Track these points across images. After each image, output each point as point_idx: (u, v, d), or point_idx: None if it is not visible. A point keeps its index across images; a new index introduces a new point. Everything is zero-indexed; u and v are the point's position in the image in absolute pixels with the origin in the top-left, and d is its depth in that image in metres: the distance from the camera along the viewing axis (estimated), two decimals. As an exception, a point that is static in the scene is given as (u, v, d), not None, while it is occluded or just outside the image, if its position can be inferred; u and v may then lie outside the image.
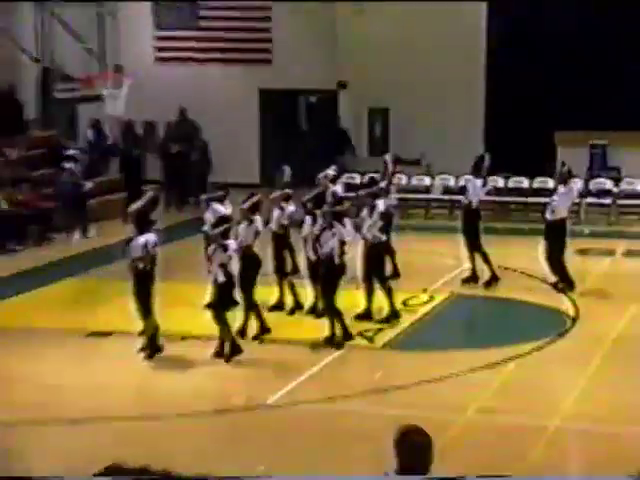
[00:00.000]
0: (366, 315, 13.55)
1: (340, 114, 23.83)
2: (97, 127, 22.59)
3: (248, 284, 12.62)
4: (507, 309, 14.58)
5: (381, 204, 13.79)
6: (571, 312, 14.00)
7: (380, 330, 13.16)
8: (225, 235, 12.14)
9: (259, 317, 12.92)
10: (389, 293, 13.62)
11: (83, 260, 17.33)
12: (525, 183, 21.38)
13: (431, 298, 14.71)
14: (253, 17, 24.08)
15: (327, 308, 12.76)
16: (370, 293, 13.61)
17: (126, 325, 12.83)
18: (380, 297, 13.65)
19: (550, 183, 20.98)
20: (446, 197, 21.52)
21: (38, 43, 21.93)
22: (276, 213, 13.98)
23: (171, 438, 9.88)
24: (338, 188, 15.22)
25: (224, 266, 11.95)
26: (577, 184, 15.41)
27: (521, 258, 16.63)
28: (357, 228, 13.51)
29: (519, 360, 12.05)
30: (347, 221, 13.07)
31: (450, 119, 22.17)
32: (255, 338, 12.78)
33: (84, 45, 22.71)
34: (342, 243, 12.65)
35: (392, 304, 13.61)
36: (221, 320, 12.09)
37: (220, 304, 12.08)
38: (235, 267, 12.13)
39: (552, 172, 21.27)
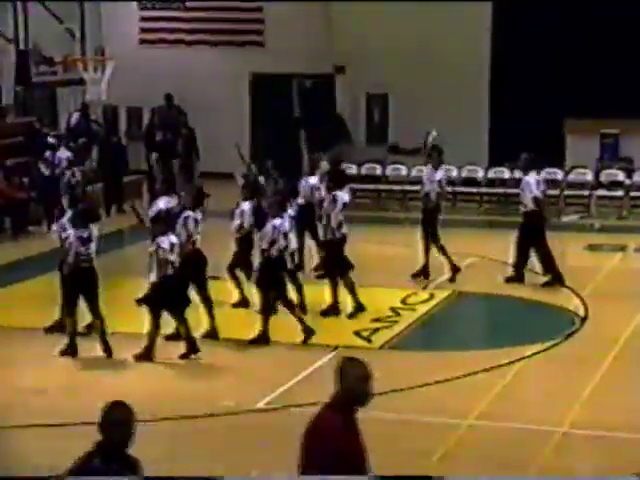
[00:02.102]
0: (332, 310, 13.64)
1: (337, 100, 23.79)
2: (85, 112, 22.53)
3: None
4: (512, 308, 14.60)
5: (344, 196, 13.85)
6: (580, 311, 14.02)
7: (377, 330, 13.18)
8: (164, 231, 12.12)
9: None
10: (352, 288, 13.67)
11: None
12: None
13: (431, 296, 14.72)
14: (243, -4, 24.05)
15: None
16: (334, 288, 13.68)
17: (113, 324, 12.83)
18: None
19: (559, 174, 21.06)
20: (449, 189, 21.51)
21: (17, 24, 21.87)
22: None
23: (159, 441, 9.88)
24: (313, 180, 15.25)
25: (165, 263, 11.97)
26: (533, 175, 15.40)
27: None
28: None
29: (524, 362, 12.07)
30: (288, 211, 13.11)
31: (453, 106, 22.14)
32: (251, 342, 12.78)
33: (64, 26, 22.66)
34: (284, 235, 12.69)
35: (356, 298, 13.68)
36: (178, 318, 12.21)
37: (157, 301, 12.09)
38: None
39: (561, 162, 21.37)
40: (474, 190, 21.52)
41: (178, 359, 12.23)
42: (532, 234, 15.18)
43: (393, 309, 14.08)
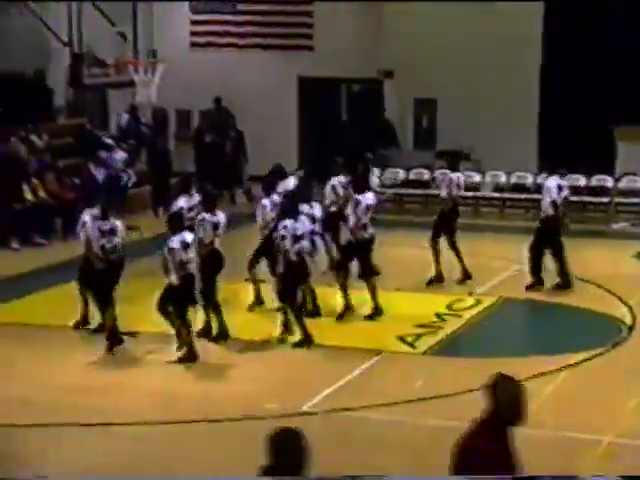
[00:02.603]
0: (376, 312, 13.68)
1: (385, 105, 23.73)
2: (133, 114, 22.71)
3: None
4: (559, 316, 14.46)
5: (369, 199, 13.79)
6: (627, 320, 13.86)
7: (422, 335, 13.11)
8: (177, 230, 12.13)
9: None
10: (374, 291, 13.73)
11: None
12: (582, 181, 21.16)
13: (477, 302, 14.62)
14: (294, 0, 24.08)
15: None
16: (344, 289, 13.75)
17: (153, 326, 12.92)
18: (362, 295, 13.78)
19: (610, 182, 20.83)
20: (497, 195, 21.41)
21: (71, 27, 22.06)
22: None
23: (200, 444, 9.91)
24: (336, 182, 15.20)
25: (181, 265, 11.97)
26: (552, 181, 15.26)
27: (574, 261, 16.45)
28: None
29: (571, 370, 11.95)
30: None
31: (502, 111, 22.00)
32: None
33: (117, 29, 22.84)
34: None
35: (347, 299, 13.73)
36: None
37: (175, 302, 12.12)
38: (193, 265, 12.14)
39: (611, 169, 21.14)
40: (522, 196, 21.34)
41: (218, 360, 12.24)
42: (549, 239, 15.03)
43: (438, 315, 14.00)
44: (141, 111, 23.10)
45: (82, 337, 13.07)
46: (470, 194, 21.51)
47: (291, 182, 14.70)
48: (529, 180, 21.55)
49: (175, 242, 12.02)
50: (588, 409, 10.83)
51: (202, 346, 12.64)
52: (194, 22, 24.85)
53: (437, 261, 15.44)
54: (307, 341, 12.69)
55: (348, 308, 13.80)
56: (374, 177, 16.17)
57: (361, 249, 13.77)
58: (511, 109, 21.99)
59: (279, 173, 14.87)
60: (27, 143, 19.73)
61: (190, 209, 13.69)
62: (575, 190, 21.07)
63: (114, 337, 12.60)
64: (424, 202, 21.79)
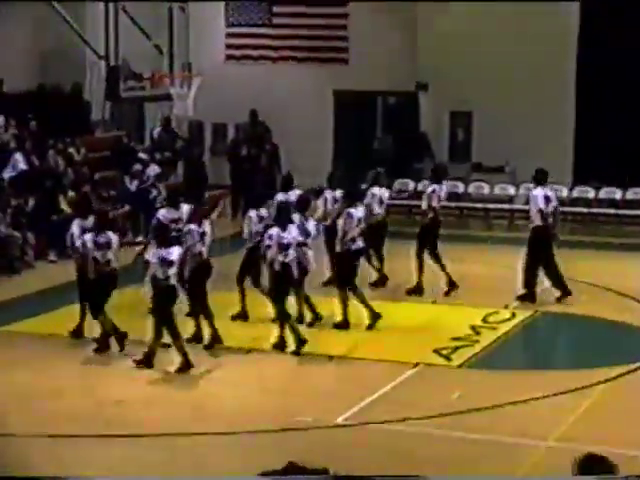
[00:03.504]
0: (344, 324, 13.70)
1: (420, 118, 23.67)
2: (166, 126, 22.80)
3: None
4: (596, 329, 14.32)
5: (358, 212, 13.89)
6: (666, 334, 13.70)
7: (457, 348, 13.02)
8: (164, 242, 12.17)
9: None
10: (345, 302, 13.71)
11: (146, 267, 17.43)
12: (618, 194, 20.99)
13: (513, 315, 14.51)
14: (329, 14, 24.10)
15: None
16: (344, 301, 13.74)
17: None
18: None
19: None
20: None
21: (108, 40, 22.19)
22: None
23: (232, 456, 9.88)
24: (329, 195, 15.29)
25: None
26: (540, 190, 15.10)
27: (611, 275, 16.32)
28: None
29: (608, 384, 11.80)
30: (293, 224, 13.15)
31: (538, 124, 21.86)
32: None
33: (153, 42, 22.94)
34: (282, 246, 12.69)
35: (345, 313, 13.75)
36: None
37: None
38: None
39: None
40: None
41: (260, 373, 12.22)
42: (539, 250, 14.89)
43: (473, 327, 13.90)
44: (177, 124, 23.18)
45: (116, 351, 13.06)
46: (505, 207, 21.44)
47: (295, 194, 14.80)
48: (564, 193, 21.38)
49: (152, 256, 12.11)
50: (625, 424, 10.68)
51: (233, 359, 12.63)
52: (229, 35, 24.92)
53: (421, 272, 15.40)
54: (301, 344, 12.73)
55: (347, 321, 13.76)
56: (384, 191, 16.05)
57: (346, 260, 13.80)
58: (546, 122, 21.86)
59: (286, 183, 15.28)
60: (64, 156, 19.86)
61: (174, 221, 13.75)
62: (612, 203, 20.96)
63: (105, 342, 12.76)
64: (459, 215, 21.69)
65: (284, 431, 10.40)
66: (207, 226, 13.22)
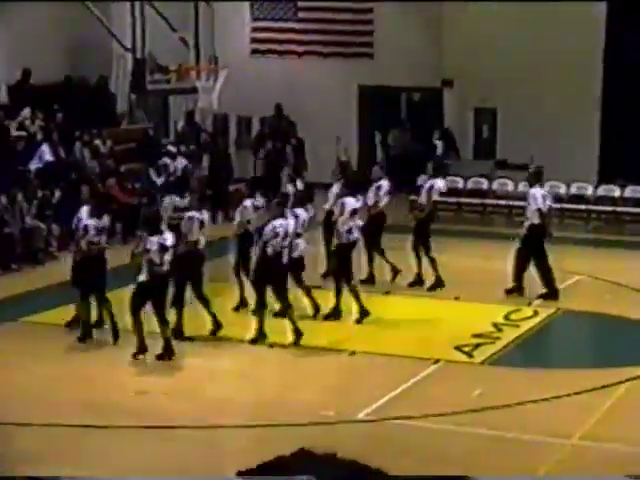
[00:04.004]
0: (334, 314, 13.77)
1: (445, 114, 23.60)
2: (190, 120, 22.83)
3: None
4: (619, 328, 14.23)
5: (351, 203, 13.94)
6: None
7: (479, 345, 12.99)
8: (156, 230, 12.32)
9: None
10: (339, 293, 13.77)
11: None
12: (644, 193, 20.86)
13: (535, 313, 14.46)
14: (354, 9, 24.05)
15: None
16: (338, 292, 13.81)
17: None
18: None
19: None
20: (556, 205, 21.14)
21: (135, 33, 22.24)
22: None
23: (255, 449, 9.88)
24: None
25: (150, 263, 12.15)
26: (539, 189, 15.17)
27: (635, 273, 16.22)
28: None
29: (631, 383, 11.73)
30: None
31: (563, 121, 21.76)
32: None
33: (179, 35, 22.96)
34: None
35: (338, 303, 13.81)
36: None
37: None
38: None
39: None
40: (582, 207, 21.09)
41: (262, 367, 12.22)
42: (534, 247, 14.96)
43: (495, 325, 13.86)
44: (202, 117, 23.21)
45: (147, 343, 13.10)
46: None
47: (297, 186, 15.27)
48: (589, 191, 21.29)
49: (153, 243, 12.18)
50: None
51: (258, 353, 12.65)
52: (255, 29, 24.91)
53: (419, 265, 15.49)
54: (298, 338, 12.76)
55: (338, 311, 13.87)
56: (386, 183, 16.00)
57: (341, 252, 13.89)
58: (572, 119, 21.75)
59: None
60: (90, 148, 19.93)
61: (180, 209, 14.22)
62: (637, 202, 20.81)
63: (88, 329, 12.98)
64: (483, 211, 21.63)
65: (306, 425, 10.41)
66: (206, 215, 13.41)
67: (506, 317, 14.17)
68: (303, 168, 22.81)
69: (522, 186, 21.57)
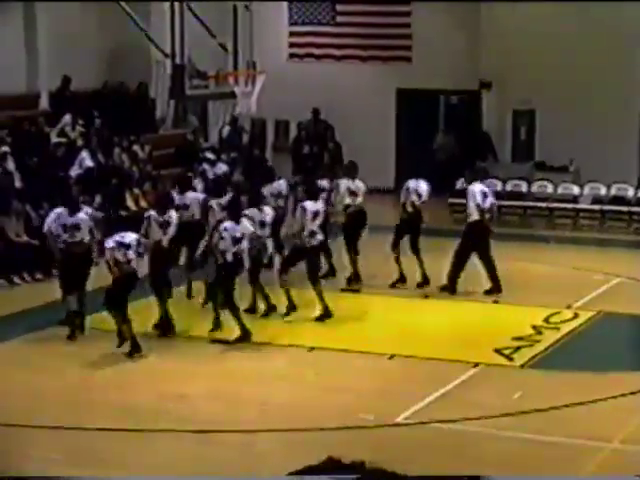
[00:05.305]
0: (325, 315, 13.83)
1: (483, 116, 23.50)
2: (235, 125, 22.91)
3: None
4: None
5: (314, 205, 14.04)
6: None
7: (519, 348, 12.92)
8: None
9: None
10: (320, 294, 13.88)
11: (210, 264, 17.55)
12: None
13: (576, 316, 14.35)
14: (392, 12, 24.03)
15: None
16: (319, 294, 13.90)
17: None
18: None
19: None
20: (596, 207, 21.02)
21: (174, 39, 22.35)
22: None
23: (294, 452, 9.89)
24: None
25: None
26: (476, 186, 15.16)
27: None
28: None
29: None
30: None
31: (602, 123, 21.60)
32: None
33: (218, 41, 23.05)
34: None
35: (289, 300, 13.82)
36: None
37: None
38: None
39: None
40: (624, 209, 20.91)
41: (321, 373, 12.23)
42: (475, 244, 14.97)
43: (535, 327, 13.78)
44: (240, 122, 23.28)
45: (177, 345, 13.17)
46: (569, 206, 21.21)
47: (282, 185, 15.93)
48: (630, 192, 21.11)
49: (110, 242, 12.59)
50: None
51: (296, 356, 12.68)
52: (293, 33, 24.97)
53: (399, 264, 15.53)
54: (246, 337, 12.91)
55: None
56: (359, 183, 16.05)
57: (309, 255, 13.99)
58: (611, 120, 21.58)
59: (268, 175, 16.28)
60: (129, 153, 20.06)
61: (183, 207, 14.58)
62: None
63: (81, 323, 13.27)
64: (522, 214, 21.52)
65: (345, 429, 10.40)
66: (173, 215, 13.61)
67: (546, 320, 14.09)
68: (339, 172, 22.88)
69: (562, 188, 21.51)
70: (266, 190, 15.86)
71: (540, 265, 16.66)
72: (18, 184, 17.58)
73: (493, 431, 10.48)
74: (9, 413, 10.76)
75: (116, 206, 18.37)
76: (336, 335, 13.24)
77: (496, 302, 14.98)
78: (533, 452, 9.91)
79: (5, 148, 17.88)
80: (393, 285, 15.53)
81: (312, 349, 12.90)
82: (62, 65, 20.96)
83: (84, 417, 10.72)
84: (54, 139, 19.54)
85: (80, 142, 19.69)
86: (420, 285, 15.50)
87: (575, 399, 11.14)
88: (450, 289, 15.13)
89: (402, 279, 15.58)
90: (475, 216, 14.98)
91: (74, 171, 18.91)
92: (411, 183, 15.77)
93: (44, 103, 21.16)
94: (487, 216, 15.05)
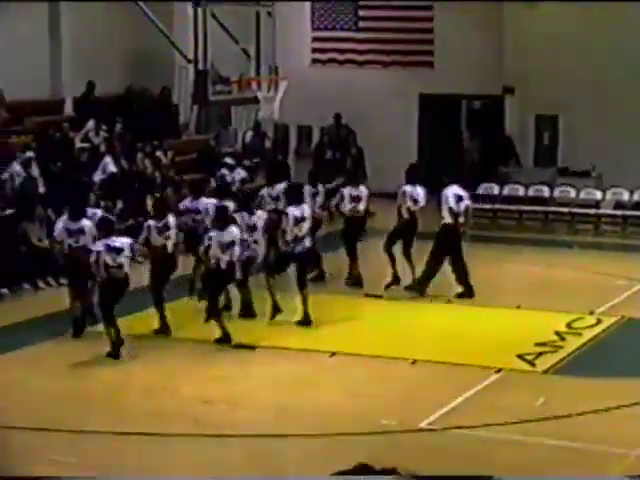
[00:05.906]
0: (305, 321, 13.85)
1: (505, 121, 23.45)
2: (258, 130, 22.96)
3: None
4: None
5: (297, 211, 14.02)
6: None
7: (542, 354, 12.87)
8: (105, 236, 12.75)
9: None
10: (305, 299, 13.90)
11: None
12: None
13: (599, 321, 14.29)
14: (415, 17, 24.02)
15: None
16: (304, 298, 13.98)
17: (273, 339, 12.97)
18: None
19: None
20: (618, 213, 20.92)
21: (197, 45, 22.41)
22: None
23: (317, 458, 9.90)
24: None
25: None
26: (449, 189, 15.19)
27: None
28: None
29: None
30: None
31: (625, 128, 21.51)
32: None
33: (240, 46, 23.11)
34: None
35: (275, 304, 13.91)
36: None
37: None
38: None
39: None
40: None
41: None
42: (448, 247, 14.96)
43: (558, 333, 13.73)
44: (263, 127, 23.32)
45: (201, 350, 13.19)
46: (592, 211, 21.12)
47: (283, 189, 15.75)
48: (654, 198, 21.00)
49: (99, 246, 12.57)
50: None
51: (318, 361, 12.67)
52: (315, 39, 24.99)
53: (393, 266, 15.56)
54: (226, 339, 13.02)
55: (277, 310, 13.97)
56: (363, 189, 16.24)
57: (294, 261, 14.05)
58: (635, 126, 21.48)
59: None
60: (152, 159, 20.13)
61: (194, 212, 14.89)
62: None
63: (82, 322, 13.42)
64: (544, 219, 21.44)
65: (367, 435, 10.39)
66: (171, 220, 13.66)
67: (569, 325, 14.03)
68: (362, 177, 22.88)
69: (584, 193, 21.42)
70: (265, 192, 15.87)
71: (562, 270, 16.61)
72: (42, 189, 17.69)
73: (516, 437, 10.44)
74: (33, 417, 10.81)
75: (136, 212, 18.42)
76: (358, 340, 13.22)
77: (519, 307, 14.94)
78: (558, 458, 9.87)
79: (30, 154, 17.98)
80: (387, 287, 15.54)
81: (333, 354, 12.89)
82: (86, 71, 21.08)
83: (112, 421, 10.75)
84: (78, 144, 19.64)
85: (103, 148, 19.78)
86: (388, 285, 15.56)
87: (598, 405, 11.09)
88: (420, 290, 15.17)
89: (396, 280, 15.60)
90: (447, 219, 15.02)
91: (97, 176, 18.99)
92: (407, 188, 15.72)
93: (69, 109, 21.28)
94: (461, 219, 15.06)
